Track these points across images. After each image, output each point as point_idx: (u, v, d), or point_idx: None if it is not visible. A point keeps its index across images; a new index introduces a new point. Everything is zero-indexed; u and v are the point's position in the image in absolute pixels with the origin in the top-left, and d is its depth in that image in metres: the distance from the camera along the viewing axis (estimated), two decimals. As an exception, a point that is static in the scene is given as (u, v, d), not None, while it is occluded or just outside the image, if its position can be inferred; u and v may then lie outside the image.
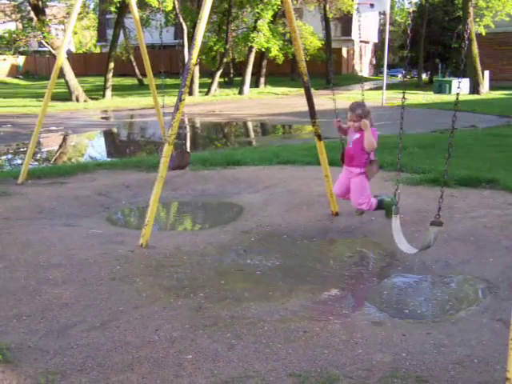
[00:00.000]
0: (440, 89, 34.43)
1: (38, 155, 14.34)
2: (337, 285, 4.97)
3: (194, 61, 5.62)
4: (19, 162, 12.97)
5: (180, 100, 5.62)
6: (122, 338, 3.81)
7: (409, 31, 5.07)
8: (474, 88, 32.47)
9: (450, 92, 33.65)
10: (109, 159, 13.02)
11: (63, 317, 4.14)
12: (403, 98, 5.42)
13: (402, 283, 5.17)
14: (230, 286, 4.86)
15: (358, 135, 5.59)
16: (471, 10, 30.83)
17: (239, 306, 4.34)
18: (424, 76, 49.54)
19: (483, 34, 34.46)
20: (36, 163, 12.71)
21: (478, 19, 34.00)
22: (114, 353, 3.61)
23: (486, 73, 34.47)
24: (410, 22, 5.28)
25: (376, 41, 68.13)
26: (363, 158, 5.66)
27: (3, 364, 3.43)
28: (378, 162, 5.90)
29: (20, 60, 54.68)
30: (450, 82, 34.97)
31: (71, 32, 9.09)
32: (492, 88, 35.33)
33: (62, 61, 9.24)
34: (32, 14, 29.65)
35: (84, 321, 4.07)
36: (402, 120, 5.37)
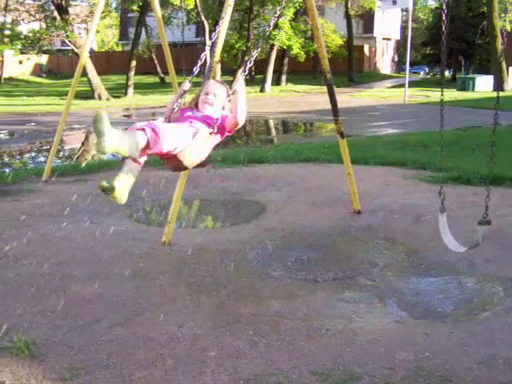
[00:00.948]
0: (463, 86, 34.05)
1: (61, 153, 14.47)
2: (359, 283, 4.95)
3: (216, 59, 5.62)
4: (43, 159, 13.11)
5: (202, 98, 5.62)
6: (145, 334, 3.85)
7: (443, 28, 4.89)
8: (499, 85, 32.06)
9: (473, 89, 33.28)
10: (131, 157, 13.05)
11: (87, 313, 4.18)
12: (442, 94, 5.09)
13: (424, 282, 5.14)
14: (251, 284, 4.87)
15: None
16: (496, 5, 30.43)
17: (261, 304, 4.36)
18: (447, 73, 49.02)
19: (508, 29, 34.01)
20: (59, 161, 12.83)
21: (503, 14, 33.54)
22: (138, 349, 3.64)
23: (511, 69, 34.02)
24: (443, 19, 4.97)
25: (398, 38, 67.58)
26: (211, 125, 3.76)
27: (29, 359, 3.48)
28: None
29: (43, 59, 55.18)
30: (473, 79, 34.56)
31: (94, 31, 9.15)
32: (517, 85, 34.85)
33: (85, 59, 9.32)
34: (55, 14, 29.92)
35: (107, 317, 4.11)
36: (441, 118, 5.07)
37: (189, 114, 3.89)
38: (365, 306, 4.49)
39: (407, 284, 5.07)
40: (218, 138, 3.78)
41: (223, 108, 3.92)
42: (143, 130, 3.26)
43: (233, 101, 3.87)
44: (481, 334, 3.88)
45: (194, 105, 4.00)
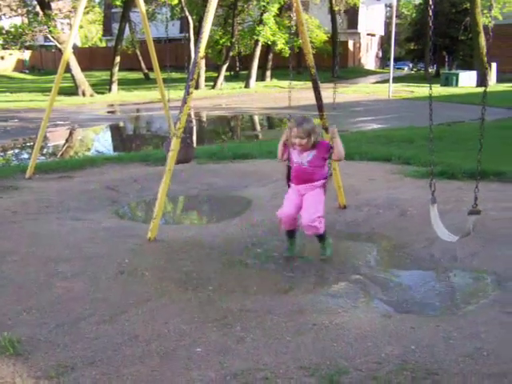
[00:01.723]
0: (447, 81, 34.30)
1: (45, 150, 14.37)
2: (345, 278, 4.96)
3: (201, 54, 5.61)
4: (26, 156, 13.01)
5: (187, 93, 5.62)
6: (131, 331, 3.83)
7: (430, 23, 4.92)
8: (482, 80, 32.29)
9: (456, 85, 33.53)
10: (116, 153, 13.03)
11: (73, 310, 4.16)
12: (430, 89, 5.08)
13: (410, 276, 5.16)
14: (238, 279, 4.87)
15: (313, 152, 5.04)
16: (479, 1, 30.65)
17: (248, 299, 4.35)
18: (431, 69, 49.27)
19: (491, 25, 34.25)
20: (43, 157, 12.74)
21: (485, 11, 33.77)
22: (124, 346, 3.62)
23: (494, 65, 34.31)
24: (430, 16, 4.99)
25: (382, 34, 67.83)
26: (323, 171, 5.18)
27: (14, 357, 3.45)
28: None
29: (26, 54, 54.75)
30: (456, 75, 34.84)
31: (77, 26, 9.08)
32: (499, 80, 35.18)
33: (69, 55, 9.25)
34: (38, 9, 29.69)
35: (93, 314, 4.09)
36: (430, 112, 5.06)
37: (296, 161, 5.12)
38: (351, 300, 4.50)
39: (393, 278, 5.09)
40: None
41: (317, 140, 4.99)
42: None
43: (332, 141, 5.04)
44: (466, 328, 3.91)
45: (293, 145, 5.06)
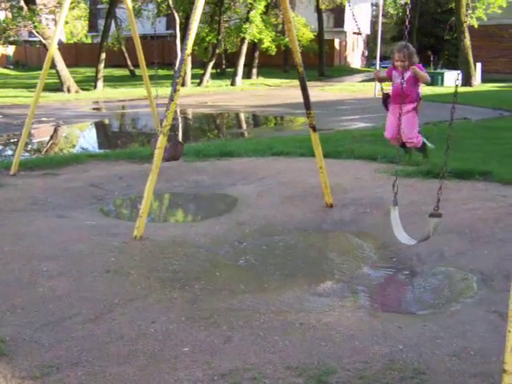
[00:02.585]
0: (432, 81, 34.40)
1: (30, 146, 14.23)
2: (332, 277, 4.96)
3: (188, 51, 5.57)
4: (10, 152, 12.88)
5: (174, 91, 5.58)
6: (117, 330, 3.79)
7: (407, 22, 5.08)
8: (467, 80, 32.48)
9: (442, 84, 33.67)
10: (101, 150, 12.94)
11: (58, 309, 4.11)
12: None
13: (396, 275, 5.17)
14: (225, 278, 4.85)
15: (409, 72, 5.67)
16: (464, 1, 30.81)
17: (235, 298, 4.33)
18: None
19: (475, 26, 34.44)
20: (28, 154, 12.61)
21: (470, 11, 33.94)
22: (110, 345, 3.59)
23: (478, 65, 34.52)
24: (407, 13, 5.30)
25: (368, 32, 67.99)
26: (415, 93, 5.82)
27: (-2, 357, 3.41)
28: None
29: (10, 50, 54.18)
30: (442, 74, 34.98)
31: (63, 22, 8.99)
32: (484, 80, 35.40)
33: (54, 51, 9.15)
34: (22, 3, 29.35)
35: (79, 313, 4.05)
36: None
37: (397, 80, 5.75)
38: (338, 300, 4.51)
39: (379, 278, 5.10)
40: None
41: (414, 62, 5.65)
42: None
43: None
44: (453, 327, 3.92)
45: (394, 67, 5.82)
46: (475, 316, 4.15)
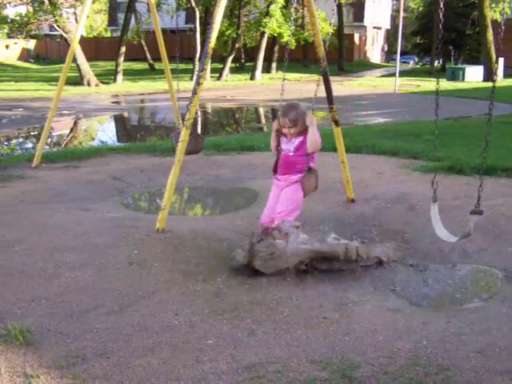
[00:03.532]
0: (453, 76, 34.14)
1: (51, 139, 14.35)
2: (354, 272, 4.93)
3: (211, 44, 5.56)
4: (31, 145, 13.00)
5: (197, 84, 5.58)
6: (141, 322, 3.81)
7: (440, 16, 4.85)
8: (489, 75, 32.16)
9: (463, 79, 33.38)
10: (122, 144, 13.01)
11: (82, 300, 4.14)
12: (437, 84, 5.03)
13: (419, 271, 5.13)
14: (247, 271, 4.84)
15: (300, 138, 4.93)
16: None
17: (258, 292, 4.33)
18: (436, 63, 49.07)
19: (499, 20, 34.05)
20: (49, 147, 12.72)
21: (493, 5, 33.58)
22: (134, 337, 3.61)
23: (501, 60, 34.12)
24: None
25: (388, 27, 67.54)
26: (304, 163, 4.98)
27: (24, 346, 3.44)
28: (317, 174, 5.09)
29: (31, 44, 54.62)
30: (463, 70, 34.69)
31: (85, 16, 9.04)
32: (506, 75, 35.00)
33: (76, 45, 9.20)
34: (43, -3, 29.56)
35: (103, 305, 4.08)
36: (436, 107, 5.03)
37: (284, 147, 5.02)
38: (360, 294, 4.48)
39: (402, 273, 5.06)
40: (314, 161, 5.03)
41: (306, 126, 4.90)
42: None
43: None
44: (477, 323, 3.89)
45: (282, 133, 5.02)
46: (499, 313, 4.11)
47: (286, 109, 4.92)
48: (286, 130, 4.89)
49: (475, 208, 4.70)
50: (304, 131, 4.90)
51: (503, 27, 5.00)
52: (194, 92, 5.55)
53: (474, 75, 34.34)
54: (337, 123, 6.65)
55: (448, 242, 4.95)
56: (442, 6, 4.70)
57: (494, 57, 32.39)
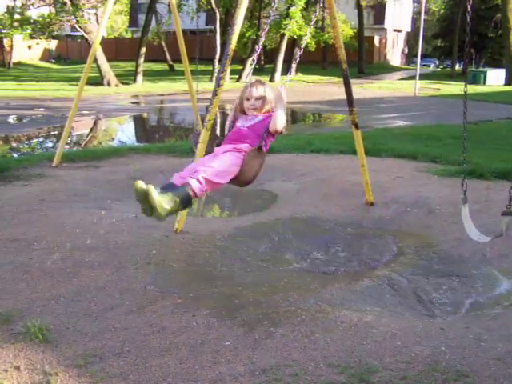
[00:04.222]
0: (474, 79, 33.83)
1: (71, 139, 14.45)
2: (373, 275, 4.91)
3: (233, 46, 5.57)
4: (52, 145, 13.10)
5: (218, 85, 5.59)
6: (159, 322, 3.82)
7: (467, 20, 4.76)
8: (511, 79, 31.85)
9: (484, 83, 33.07)
10: (142, 144, 13.07)
11: (100, 300, 4.17)
12: (465, 86, 4.95)
13: (438, 275, 5.09)
14: (265, 273, 4.84)
15: (259, 118, 4.10)
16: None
17: (276, 294, 4.32)
18: (457, 66, 48.69)
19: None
20: (68, 147, 12.81)
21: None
22: (152, 337, 3.62)
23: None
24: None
25: (409, 30, 67.13)
26: (255, 140, 4.00)
27: (43, 344, 3.47)
28: (264, 162, 4.01)
29: (52, 44, 55.10)
30: (484, 73, 34.36)
31: (107, 17, 9.10)
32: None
33: (98, 46, 9.27)
34: (65, -1, 29.82)
35: (121, 304, 4.10)
36: (465, 110, 4.97)
37: (238, 124, 4.11)
38: (378, 298, 4.46)
39: (421, 277, 5.02)
40: (267, 145, 4.03)
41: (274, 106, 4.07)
42: (188, 183, 3.60)
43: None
44: (497, 330, 3.84)
45: (242, 111, 4.19)
46: (520, 320, 4.06)
47: (256, 82, 4.26)
48: (251, 102, 4.11)
49: (507, 209, 4.65)
50: (264, 113, 4.15)
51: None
52: (215, 93, 5.56)
53: (495, 79, 34.01)
54: (357, 126, 6.62)
55: (479, 242, 4.90)
56: (469, 9, 4.64)
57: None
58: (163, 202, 3.48)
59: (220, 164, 3.79)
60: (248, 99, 4.15)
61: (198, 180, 3.62)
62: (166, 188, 3.65)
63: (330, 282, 4.69)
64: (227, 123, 4.39)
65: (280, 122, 3.95)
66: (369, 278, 4.87)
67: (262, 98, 4.13)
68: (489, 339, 3.69)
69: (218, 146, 4.13)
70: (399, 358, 3.40)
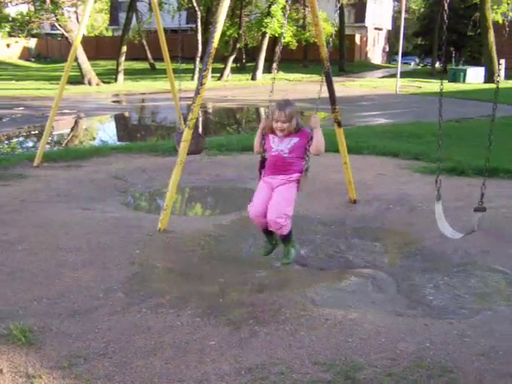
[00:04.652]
0: (454, 77, 34.11)
1: (52, 138, 14.32)
2: (356, 273, 4.92)
3: (215, 44, 5.56)
4: (32, 144, 12.98)
5: (200, 84, 5.58)
6: (143, 322, 3.80)
7: (445, 18, 4.83)
8: (490, 77, 32.15)
9: (464, 81, 33.35)
10: (124, 143, 13.00)
11: (84, 300, 4.13)
12: (441, 84, 4.97)
13: (421, 272, 5.12)
14: (249, 272, 4.83)
15: (295, 139, 4.49)
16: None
17: (260, 293, 4.32)
18: (438, 64, 49.04)
19: (500, 21, 34.04)
20: (49, 146, 12.70)
21: (495, 7, 33.55)
22: (137, 337, 3.60)
23: (502, 61, 34.09)
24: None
25: (389, 28, 67.50)
26: (300, 164, 4.56)
27: (26, 346, 3.43)
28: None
29: (32, 42, 54.57)
30: (464, 71, 34.65)
31: (88, 15, 9.02)
32: (508, 77, 34.96)
33: (78, 44, 9.19)
34: (45, -4, 29.55)
35: (105, 305, 4.07)
36: (440, 108, 5.00)
37: (275, 147, 4.54)
38: (362, 296, 4.48)
39: (404, 274, 5.05)
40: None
41: (300, 126, 4.54)
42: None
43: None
44: (480, 326, 3.88)
45: (271, 129, 4.58)
46: (502, 315, 4.11)
47: (282, 103, 4.50)
48: (279, 124, 4.40)
49: (479, 205, 4.70)
50: (296, 132, 4.50)
51: (507, 29, 4.99)
52: (197, 92, 5.55)
53: (475, 77, 34.32)
54: (339, 124, 6.64)
55: (453, 238, 4.94)
56: (446, 8, 4.69)
57: (495, 58, 32.39)
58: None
59: (287, 203, 4.56)
60: (277, 121, 4.44)
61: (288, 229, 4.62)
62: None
63: (314, 280, 4.69)
64: (256, 140, 4.73)
65: (322, 144, 4.48)
66: (352, 275, 4.88)
67: (290, 120, 4.44)
68: (472, 335, 3.72)
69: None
70: (384, 354, 3.42)
